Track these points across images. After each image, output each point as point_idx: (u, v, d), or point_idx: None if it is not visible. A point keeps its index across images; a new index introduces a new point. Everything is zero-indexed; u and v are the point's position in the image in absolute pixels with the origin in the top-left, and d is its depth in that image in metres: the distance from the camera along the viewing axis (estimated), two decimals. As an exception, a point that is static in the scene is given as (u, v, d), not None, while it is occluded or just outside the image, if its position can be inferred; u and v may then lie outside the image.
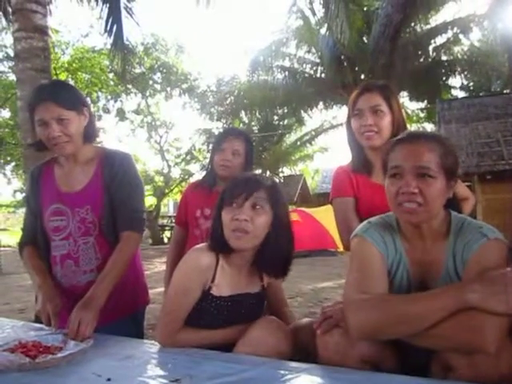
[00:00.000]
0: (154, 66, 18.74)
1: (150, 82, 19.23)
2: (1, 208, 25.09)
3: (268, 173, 17.93)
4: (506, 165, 8.70)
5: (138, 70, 17.85)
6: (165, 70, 18.83)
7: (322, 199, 18.01)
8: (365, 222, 1.38)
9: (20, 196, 21.74)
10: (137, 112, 20.55)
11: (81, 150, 1.79)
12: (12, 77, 14.12)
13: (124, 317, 1.82)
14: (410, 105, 18.28)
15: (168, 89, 19.66)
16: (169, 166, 21.35)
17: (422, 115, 19.47)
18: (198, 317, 1.50)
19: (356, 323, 1.17)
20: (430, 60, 14.19)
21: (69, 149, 1.73)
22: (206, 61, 62.53)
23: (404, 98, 16.43)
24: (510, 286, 1.06)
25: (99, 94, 17.54)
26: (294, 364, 1.27)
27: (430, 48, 13.93)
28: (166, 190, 20.98)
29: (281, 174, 20.25)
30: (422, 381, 1.13)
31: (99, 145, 1.94)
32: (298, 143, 18.72)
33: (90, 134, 1.81)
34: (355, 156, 1.91)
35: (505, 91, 13.70)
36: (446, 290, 1.14)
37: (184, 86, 19.44)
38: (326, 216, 10.05)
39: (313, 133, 18.32)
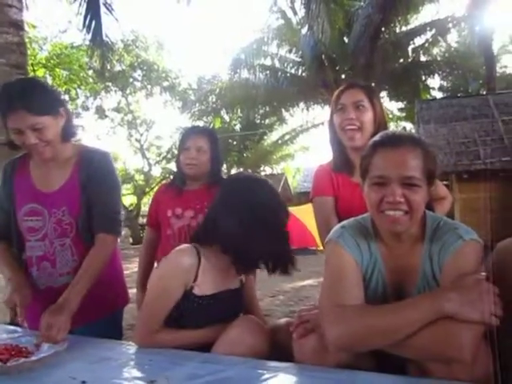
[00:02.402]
0: (134, 63, 18.53)
1: (130, 80, 19.02)
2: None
3: (250, 171, 17.91)
4: (483, 164, 8.86)
5: (117, 68, 17.62)
6: (145, 68, 18.65)
7: (303, 198, 18.05)
8: (338, 226, 1.36)
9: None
10: (117, 110, 20.31)
11: (59, 149, 1.72)
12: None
13: (103, 317, 1.79)
14: (390, 105, 18.52)
15: (148, 86, 19.48)
16: (149, 165, 21.18)
17: (401, 115, 19.74)
18: (180, 317, 1.49)
19: (333, 336, 1.15)
20: (409, 61, 14.37)
21: (48, 153, 1.67)
22: (187, 59, 62.13)
23: (384, 97, 16.62)
24: (485, 294, 1.07)
25: (78, 90, 17.24)
26: (272, 363, 1.27)
27: (410, 49, 14.11)
28: (147, 189, 20.79)
29: (262, 173, 20.22)
30: (400, 379, 1.14)
31: (77, 143, 1.88)
32: (280, 142, 18.74)
33: (67, 133, 1.74)
34: (336, 155, 1.91)
35: (481, 92, 13.98)
36: (423, 299, 1.13)
37: (165, 83, 19.30)
38: (306, 214, 10.09)
39: (294, 132, 18.38)
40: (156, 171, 21.55)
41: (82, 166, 1.74)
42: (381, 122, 1.84)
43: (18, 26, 4.39)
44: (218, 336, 1.43)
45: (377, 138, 1.30)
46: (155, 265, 2.14)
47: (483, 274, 1.14)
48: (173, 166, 19.83)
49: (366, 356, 1.22)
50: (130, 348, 1.47)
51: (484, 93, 12.77)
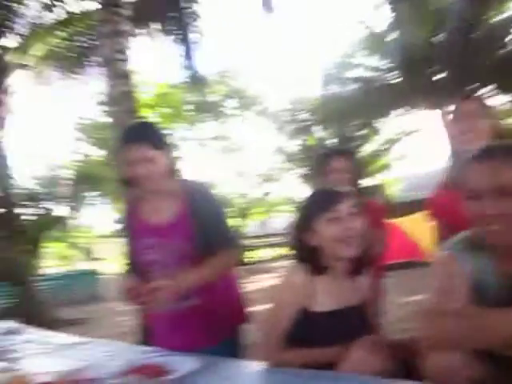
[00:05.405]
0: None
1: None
2: (100, 238, 26.82)
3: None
4: None
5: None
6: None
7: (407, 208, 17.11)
8: (450, 240, 1.36)
9: (116, 227, 23.04)
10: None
11: (166, 184, 1.89)
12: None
13: (224, 340, 1.89)
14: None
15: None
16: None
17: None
18: (299, 336, 1.52)
19: (428, 333, 1.16)
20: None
21: (155, 185, 1.85)
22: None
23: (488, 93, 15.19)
24: None
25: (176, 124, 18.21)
26: (398, 382, 1.25)
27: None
28: None
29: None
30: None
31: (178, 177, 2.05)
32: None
33: (172, 169, 1.92)
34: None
35: None
36: None
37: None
38: (414, 226, 9.57)
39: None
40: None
41: (190, 199, 1.89)
42: None
43: (126, 75, 4.94)
44: (340, 356, 1.42)
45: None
46: None
47: None
48: None
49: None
50: (257, 367, 1.51)
51: None
